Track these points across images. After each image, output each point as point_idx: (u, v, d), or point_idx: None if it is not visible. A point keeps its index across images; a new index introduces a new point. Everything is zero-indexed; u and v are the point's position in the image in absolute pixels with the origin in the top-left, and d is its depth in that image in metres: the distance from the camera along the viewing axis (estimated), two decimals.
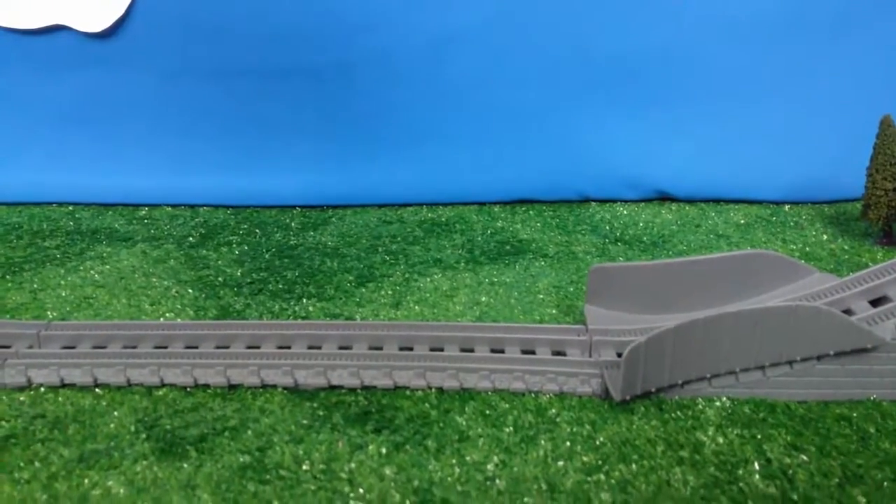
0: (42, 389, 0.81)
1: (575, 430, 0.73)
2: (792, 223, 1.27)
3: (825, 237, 1.20)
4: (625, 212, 1.34)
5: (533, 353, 0.83)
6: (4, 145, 1.38)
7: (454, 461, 0.69)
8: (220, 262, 1.15)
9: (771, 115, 1.34)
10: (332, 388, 0.80)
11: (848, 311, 0.82)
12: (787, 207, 1.35)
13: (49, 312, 0.98)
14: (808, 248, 1.16)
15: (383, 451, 0.71)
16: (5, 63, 1.33)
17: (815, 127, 1.34)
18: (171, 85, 1.33)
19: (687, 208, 1.35)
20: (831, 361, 0.76)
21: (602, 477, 0.67)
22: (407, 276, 1.09)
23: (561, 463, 0.68)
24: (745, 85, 1.33)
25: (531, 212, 1.35)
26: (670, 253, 1.16)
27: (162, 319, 0.96)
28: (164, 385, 0.81)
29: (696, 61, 1.32)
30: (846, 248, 1.16)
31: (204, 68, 1.31)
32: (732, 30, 1.30)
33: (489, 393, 0.79)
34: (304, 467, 0.69)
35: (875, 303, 0.83)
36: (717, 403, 0.77)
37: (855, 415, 0.75)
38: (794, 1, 1.28)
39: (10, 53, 1.32)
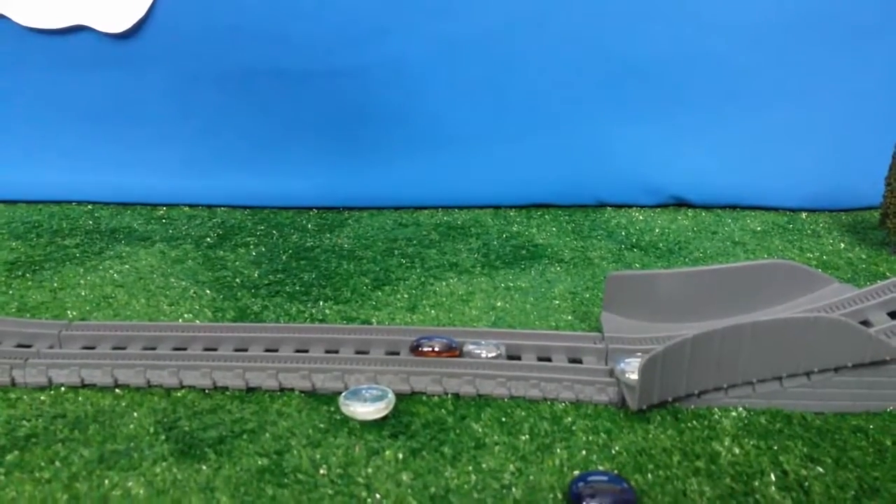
0: (62, 389, 0.82)
1: (591, 438, 0.73)
2: (809, 231, 1.27)
3: (842, 246, 1.20)
4: (640, 217, 1.34)
5: (549, 360, 0.84)
6: (24, 144, 1.40)
7: (470, 468, 0.69)
8: (237, 262, 1.15)
9: (789, 122, 1.34)
10: None
11: (866, 323, 0.82)
12: (803, 215, 1.34)
13: (69, 312, 0.99)
14: (825, 257, 1.16)
15: (400, 456, 0.71)
16: (26, 63, 1.34)
17: (834, 134, 1.33)
18: (190, 86, 1.34)
19: (703, 214, 1.35)
20: (849, 373, 0.76)
21: None
22: (423, 279, 1.09)
23: (577, 472, 0.69)
24: (763, 91, 1.33)
25: (546, 216, 1.35)
26: (686, 260, 1.16)
27: (180, 320, 0.97)
28: (183, 387, 0.82)
29: (712, 67, 1.32)
30: (863, 257, 1.16)
31: (223, 70, 1.32)
32: (750, 35, 1.30)
33: (505, 400, 0.79)
34: (322, 471, 0.69)
35: (894, 314, 0.83)
36: (734, 413, 0.76)
37: (872, 427, 0.75)
38: (813, 7, 1.28)
39: (31, 53, 1.33)
